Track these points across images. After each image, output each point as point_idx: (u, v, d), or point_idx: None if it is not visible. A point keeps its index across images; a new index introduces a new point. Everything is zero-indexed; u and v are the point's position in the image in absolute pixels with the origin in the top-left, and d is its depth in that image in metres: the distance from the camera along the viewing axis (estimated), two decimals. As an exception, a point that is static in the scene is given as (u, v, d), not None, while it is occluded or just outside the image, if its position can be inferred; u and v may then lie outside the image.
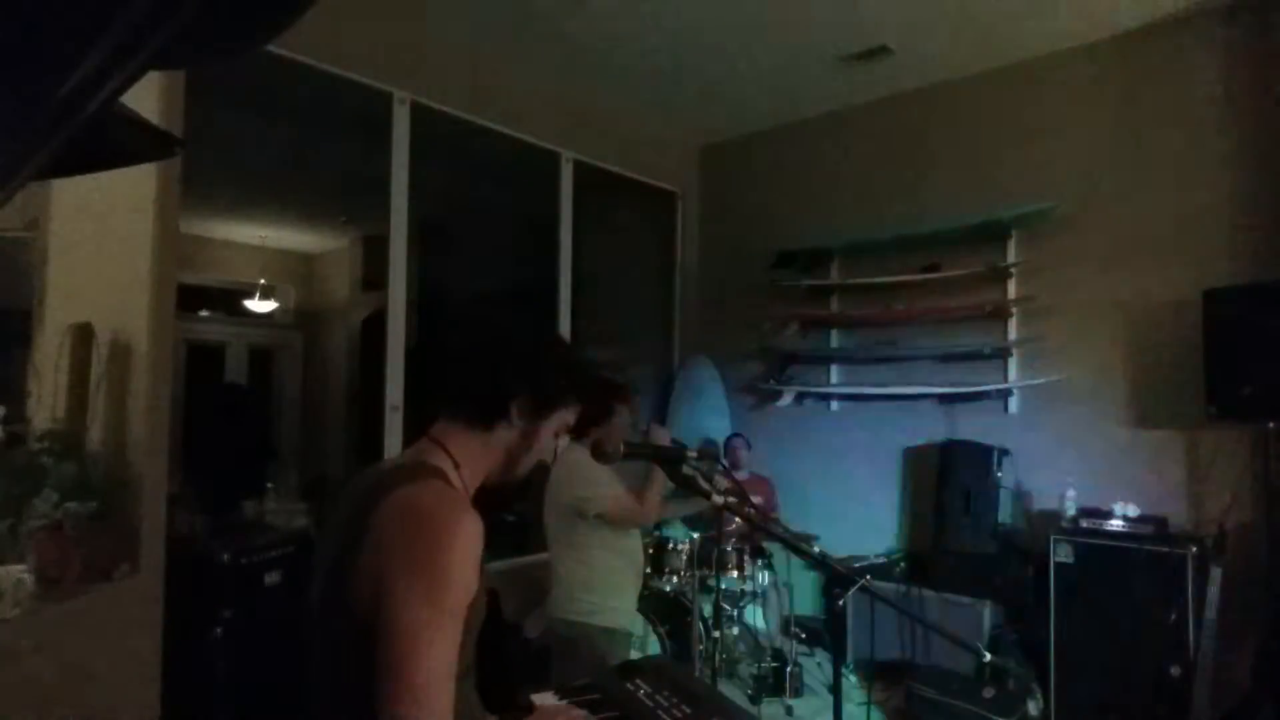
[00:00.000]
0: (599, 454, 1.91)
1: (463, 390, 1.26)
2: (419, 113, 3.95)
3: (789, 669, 3.85)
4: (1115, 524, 3.40)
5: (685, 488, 2.08)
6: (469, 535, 1.04)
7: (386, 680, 0.96)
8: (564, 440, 2.72)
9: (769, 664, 3.88)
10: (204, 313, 7.64)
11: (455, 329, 1.31)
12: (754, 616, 4.22)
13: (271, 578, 2.87)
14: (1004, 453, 4.04)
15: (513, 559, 4.30)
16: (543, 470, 2.57)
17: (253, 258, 7.94)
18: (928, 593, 3.88)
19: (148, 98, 2.27)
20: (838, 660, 1.45)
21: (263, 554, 2.88)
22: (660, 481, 2.50)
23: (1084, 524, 3.48)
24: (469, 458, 1.21)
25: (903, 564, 4.30)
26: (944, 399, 4.37)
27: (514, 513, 5.01)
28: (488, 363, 1.25)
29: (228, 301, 7.84)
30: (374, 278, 6.98)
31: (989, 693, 3.27)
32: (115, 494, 2.33)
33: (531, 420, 1.24)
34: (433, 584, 1.00)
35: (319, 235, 7.85)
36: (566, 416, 1.29)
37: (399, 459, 1.23)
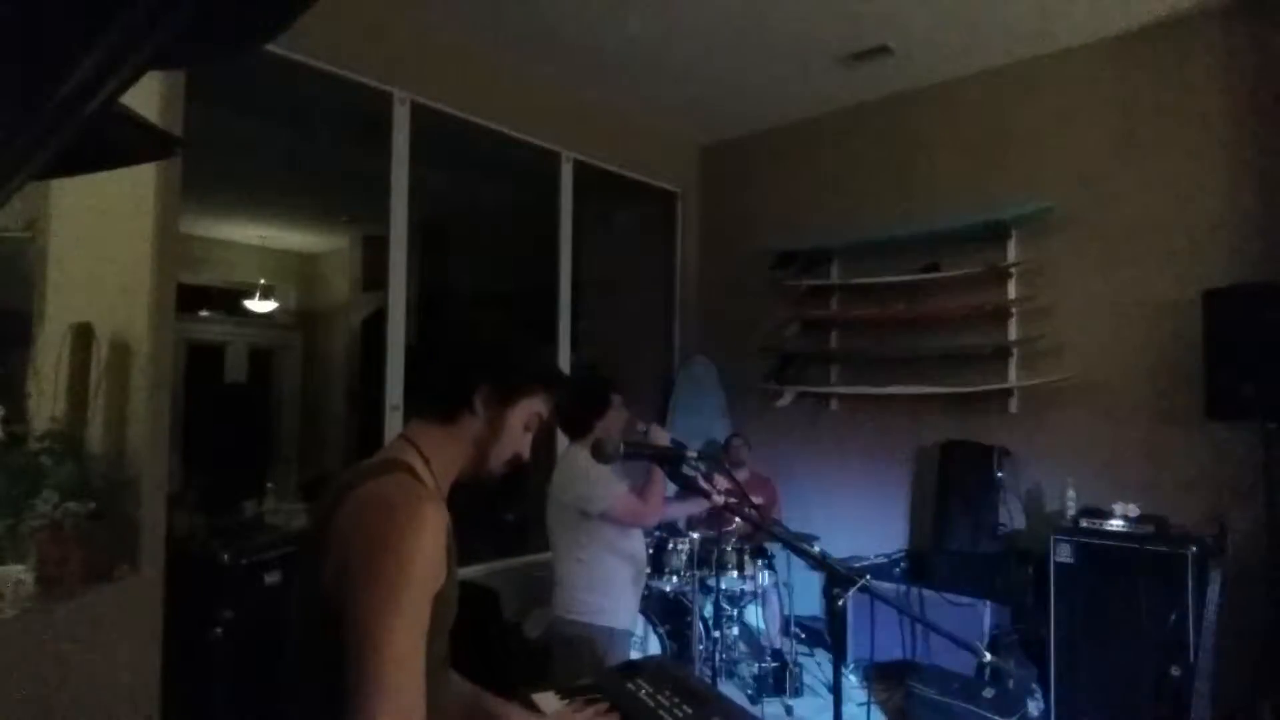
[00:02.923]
0: (598, 454, 1.92)
1: (428, 385, 1.30)
2: (419, 113, 3.95)
3: (789, 669, 3.85)
4: (1115, 524, 3.39)
5: (686, 487, 2.08)
6: (430, 525, 1.05)
7: (351, 669, 0.97)
8: (563, 440, 2.74)
9: (769, 664, 3.88)
10: (204, 313, 7.64)
11: (446, 329, 1.33)
12: (754, 616, 4.22)
13: (271, 578, 2.86)
14: (1004, 453, 4.04)
15: (512, 559, 4.30)
16: (540, 470, 2.57)
17: (253, 258, 7.96)
18: (928, 593, 3.87)
19: (148, 98, 2.28)
20: (838, 660, 1.45)
21: (263, 554, 2.87)
22: (661, 480, 2.50)
23: (1084, 524, 3.48)
24: (438, 452, 1.22)
25: (903, 564, 4.30)
26: (944, 399, 4.37)
27: (514, 513, 5.01)
28: (449, 355, 1.29)
29: (228, 301, 7.85)
30: (374, 278, 6.98)
31: (989, 693, 3.27)
32: (115, 494, 2.33)
33: (497, 410, 1.24)
34: (393, 573, 1.01)
35: (319, 235, 7.86)
36: (534, 406, 1.29)
37: (372, 458, 1.24)
